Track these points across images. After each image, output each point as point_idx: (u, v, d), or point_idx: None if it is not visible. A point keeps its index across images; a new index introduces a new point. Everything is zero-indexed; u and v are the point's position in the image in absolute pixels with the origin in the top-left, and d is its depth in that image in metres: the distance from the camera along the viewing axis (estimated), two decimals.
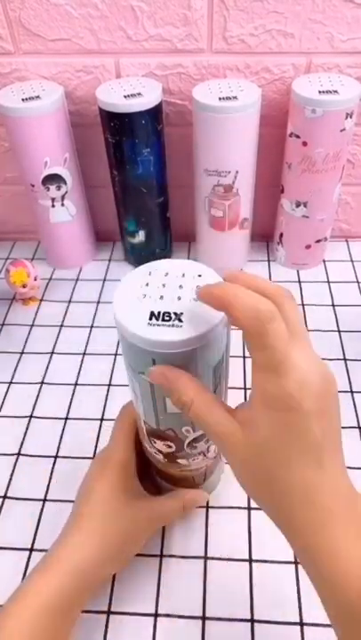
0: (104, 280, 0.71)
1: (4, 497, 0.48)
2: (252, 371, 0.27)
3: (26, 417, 0.54)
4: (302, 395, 0.25)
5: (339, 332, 0.62)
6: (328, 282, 0.69)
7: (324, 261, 0.72)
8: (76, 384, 0.58)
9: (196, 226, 0.68)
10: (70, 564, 0.35)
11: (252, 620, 0.40)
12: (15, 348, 0.62)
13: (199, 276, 0.31)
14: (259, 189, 0.65)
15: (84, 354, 0.61)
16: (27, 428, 0.53)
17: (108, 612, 0.41)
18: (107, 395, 0.56)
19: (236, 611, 0.40)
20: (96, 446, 0.51)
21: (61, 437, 0.52)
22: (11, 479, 0.49)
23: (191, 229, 0.71)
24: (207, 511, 0.46)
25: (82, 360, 0.60)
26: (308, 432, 0.26)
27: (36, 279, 0.64)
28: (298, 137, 0.57)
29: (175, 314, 0.29)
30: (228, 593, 0.41)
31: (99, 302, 0.68)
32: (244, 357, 0.58)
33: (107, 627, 0.40)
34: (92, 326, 0.64)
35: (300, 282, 0.69)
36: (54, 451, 0.51)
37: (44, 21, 0.56)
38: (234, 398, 0.34)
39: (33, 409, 0.55)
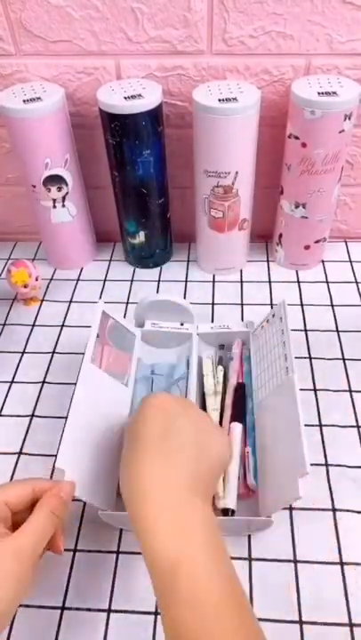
0: (105, 280, 0.71)
1: None
2: None
3: (27, 416, 0.55)
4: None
5: (337, 331, 0.62)
6: (327, 282, 0.69)
7: (323, 262, 0.72)
8: (76, 383, 0.58)
9: (196, 226, 0.69)
10: None
11: None
12: (16, 348, 0.62)
13: None
14: (258, 190, 0.65)
15: (85, 354, 0.61)
16: (28, 427, 0.54)
17: (109, 611, 0.41)
18: None
19: None
20: None
21: (62, 437, 0.53)
22: (12, 478, 0.50)
23: (191, 230, 0.71)
24: None
25: (83, 360, 0.60)
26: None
27: (37, 279, 0.65)
28: (297, 138, 0.57)
29: None
30: None
31: None
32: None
33: (107, 625, 0.40)
34: (91, 326, 0.64)
35: (299, 282, 0.69)
36: (55, 450, 0.52)
37: (44, 23, 0.56)
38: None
39: (34, 408, 0.55)
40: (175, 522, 0.32)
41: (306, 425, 0.52)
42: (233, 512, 0.44)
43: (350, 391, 0.55)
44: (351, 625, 0.39)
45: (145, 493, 0.34)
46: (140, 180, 0.62)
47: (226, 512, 0.44)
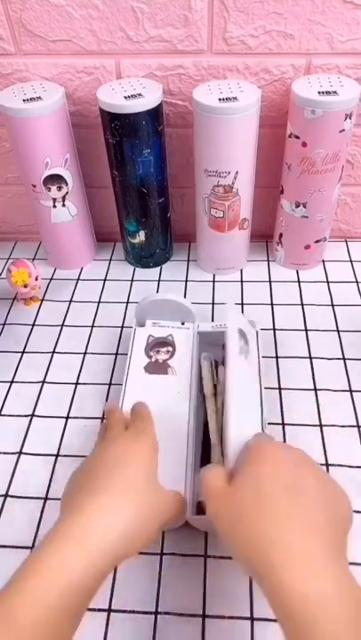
0: (105, 280, 0.71)
1: (6, 495, 0.48)
2: None
3: (27, 416, 0.55)
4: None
5: (338, 331, 0.62)
6: (327, 282, 0.69)
7: (323, 261, 0.72)
8: (77, 383, 0.58)
9: (196, 226, 0.69)
10: (101, 536, 0.33)
11: (251, 619, 0.40)
12: (17, 348, 0.62)
13: None
14: (258, 190, 0.65)
15: (85, 353, 0.61)
16: (28, 427, 0.54)
17: (109, 610, 0.41)
18: (107, 394, 0.56)
19: (236, 609, 0.41)
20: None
21: (62, 436, 0.53)
22: (12, 478, 0.50)
23: (191, 230, 0.71)
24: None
25: (83, 359, 0.60)
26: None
27: (37, 279, 0.65)
28: (297, 137, 0.57)
29: None
30: (228, 591, 0.42)
31: (99, 302, 0.68)
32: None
33: (107, 624, 0.40)
34: (92, 326, 0.65)
35: (299, 282, 0.69)
36: (55, 449, 0.52)
37: (44, 22, 0.56)
38: None
39: (34, 408, 0.55)
40: (321, 597, 0.28)
41: (307, 425, 0.52)
42: None
43: (350, 391, 0.55)
44: None
45: (281, 564, 0.29)
46: (140, 180, 0.62)
47: None
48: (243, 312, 0.65)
